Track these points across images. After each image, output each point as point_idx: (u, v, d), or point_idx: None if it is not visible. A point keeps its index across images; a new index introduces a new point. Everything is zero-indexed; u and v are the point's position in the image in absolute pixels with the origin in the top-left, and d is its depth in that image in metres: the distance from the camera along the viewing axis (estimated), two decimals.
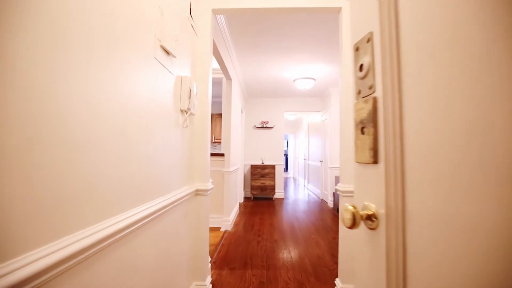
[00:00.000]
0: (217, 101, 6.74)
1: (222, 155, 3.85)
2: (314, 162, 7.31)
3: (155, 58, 1.24)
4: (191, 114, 1.72)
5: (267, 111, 6.56)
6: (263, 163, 6.32)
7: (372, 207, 0.57)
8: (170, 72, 1.42)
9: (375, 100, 0.57)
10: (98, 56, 0.79)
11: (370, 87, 0.59)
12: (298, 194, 7.13)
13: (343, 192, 1.88)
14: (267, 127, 6.47)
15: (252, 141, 6.52)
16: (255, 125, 6.51)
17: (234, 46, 3.54)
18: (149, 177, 1.19)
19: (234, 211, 4.24)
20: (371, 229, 0.57)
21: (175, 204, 1.47)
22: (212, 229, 3.66)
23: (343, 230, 1.91)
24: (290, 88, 5.53)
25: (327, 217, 4.53)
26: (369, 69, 0.59)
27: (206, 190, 1.96)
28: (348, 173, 1.91)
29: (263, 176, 6.05)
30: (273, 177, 6.06)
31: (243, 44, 3.48)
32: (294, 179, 11.51)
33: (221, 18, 2.89)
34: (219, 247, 3.04)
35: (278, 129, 6.54)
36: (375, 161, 0.56)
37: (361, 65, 0.62)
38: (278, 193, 6.42)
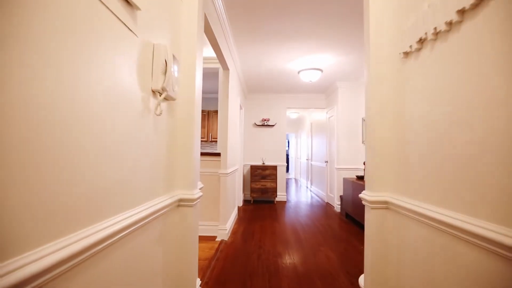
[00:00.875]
0: (213, 97, 6.30)
1: (218, 154, 3.41)
2: (318, 162, 6.87)
3: (103, 3, 0.80)
4: (169, 97, 1.28)
5: (268, 108, 6.12)
6: (264, 163, 5.88)
7: None
8: (132, 31, 0.98)
9: None
10: None
11: None
12: (300, 197, 6.69)
13: (373, 202, 1.43)
14: (268, 125, 6.02)
15: (252, 140, 6.07)
16: (255, 123, 6.07)
17: (232, 32, 3.10)
18: (93, 189, 0.74)
19: (232, 217, 3.80)
20: None
21: (142, 223, 1.03)
22: (206, 239, 3.22)
23: (373, 245, 1.46)
24: (294, 82, 5.09)
25: (335, 223, 4.09)
26: None
27: (193, 200, 1.52)
28: (380, 179, 1.46)
29: (263, 177, 5.61)
30: (274, 179, 5.62)
31: (242, 30, 3.04)
32: (296, 180, 11.07)
33: (218, 1, 2.46)
34: (213, 262, 2.59)
35: (280, 127, 6.10)
36: None
37: None
38: (280, 196, 5.98)
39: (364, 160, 4.06)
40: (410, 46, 1.23)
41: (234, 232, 3.58)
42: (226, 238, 3.28)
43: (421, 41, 1.16)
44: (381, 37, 1.50)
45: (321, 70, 3.82)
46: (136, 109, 1.04)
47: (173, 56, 1.27)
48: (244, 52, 3.66)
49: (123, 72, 0.93)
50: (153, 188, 1.21)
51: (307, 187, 8.46)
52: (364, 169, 3.99)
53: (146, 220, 1.07)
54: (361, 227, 3.83)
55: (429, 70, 1.12)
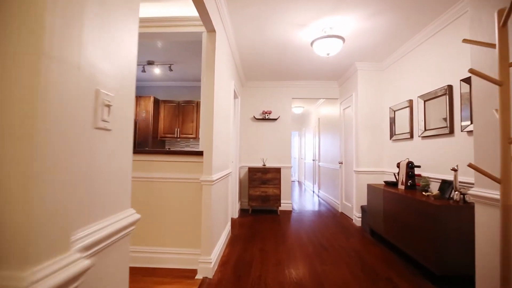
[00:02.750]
0: (194, 86, 5.30)
1: (199, 154, 2.39)
2: (328, 164, 5.84)
3: None
4: None
5: (270, 99, 5.10)
6: (264, 165, 4.86)
7: None
8: None
9: None
10: None
11: None
12: (307, 204, 5.66)
13: None
14: (270, 119, 5.00)
15: (250, 136, 5.05)
16: (254, 116, 5.04)
17: None
18: None
19: (221, 239, 2.79)
20: None
21: None
22: (182, 275, 2.21)
23: None
24: (303, 63, 4.07)
25: (360, 246, 3.07)
26: None
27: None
28: None
29: (264, 182, 4.59)
30: (277, 184, 4.60)
31: None
32: (299, 182, 10.04)
33: None
34: None
35: (284, 121, 5.08)
36: None
37: None
38: (285, 204, 4.95)
39: (386, 160, 2.91)
40: None
41: (223, 263, 2.56)
42: (210, 275, 2.25)
43: None
44: None
45: (343, 39, 2.81)
46: None
47: None
48: (237, 13, 2.65)
49: None
50: None
51: (313, 192, 7.44)
52: (398, 173, 3.09)
53: None
54: (399, 253, 2.81)
55: None
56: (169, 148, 5.53)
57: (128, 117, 0.92)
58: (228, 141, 3.27)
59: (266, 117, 5.00)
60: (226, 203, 3.24)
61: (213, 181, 2.30)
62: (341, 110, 4.87)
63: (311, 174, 8.08)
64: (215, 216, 2.45)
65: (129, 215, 0.92)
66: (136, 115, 4.93)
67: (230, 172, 3.41)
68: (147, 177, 2.48)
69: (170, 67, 4.22)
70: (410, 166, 2.94)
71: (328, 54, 2.96)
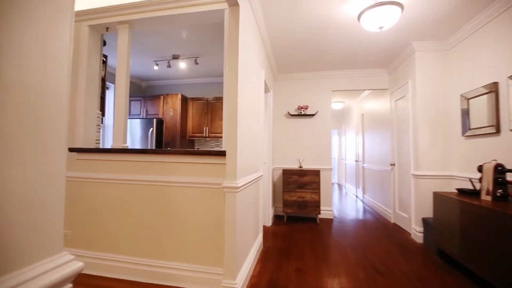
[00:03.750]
0: (216, 82, 4.95)
1: (220, 154, 1.99)
2: (375, 165, 5.08)
3: None
4: None
5: (306, 92, 4.55)
6: (301, 167, 4.33)
7: None
8: None
9: None
10: None
11: None
12: (350, 211, 4.97)
13: None
14: (307, 115, 4.45)
15: (285, 135, 4.56)
16: (288, 112, 4.54)
17: None
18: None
19: (251, 254, 2.35)
20: None
21: None
22: None
23: None
24: (344, 47, 3.46)
25: (425, 270, 2.39)
26: None
27: None
28: None
29: (301, 186, 4.06)
30: (316, 188, 4.03)
31: None
32: (340, 185, 9.23)
33: None
34: None
35: (323, 117, 4.49)
36: None
37: None
38: (325, 212, 4.36)
39: (455, 162, 2.16)
40: None
41: (253, 285, 2.12)
42: None
43: None
44: None
45: (401, 6, 2.19)
46: None
47: None
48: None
49: None
50: None
51: (356, 196, 6.66)
52: (480, 179, 2.11)
53: None
54: (485, 286, 2.09)
55: None
56: (198, 149, 5.29)
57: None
58: (258, 140, 2.83)
59: (302, 112, 4.46)
60: (257, 211, 2.80)
61: (238, 187, 1.86)
62: (392, 103, 4.13)
63: (353, 177, 7.28)
64: (241, 229, 2.02)
65: (61, 264, 0.52)
66: (162, 113, 4.75)
67: (261, 176, 2.96)
68: (161, 181, 2.15)
69: (195, 60, 3.92)
70: (500, 170, 2.19)
71: (381, 28, 2.35)
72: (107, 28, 2.54)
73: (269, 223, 3.86)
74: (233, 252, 1.86)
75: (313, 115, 4.44)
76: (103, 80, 2.91)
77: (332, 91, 4.51)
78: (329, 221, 4.15)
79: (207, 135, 4.82)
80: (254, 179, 2.49)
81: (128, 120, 4.55)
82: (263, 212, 3.72)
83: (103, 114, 2.90)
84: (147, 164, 2.20)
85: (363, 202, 5.86)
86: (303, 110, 4.46)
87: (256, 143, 2.72)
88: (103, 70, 2.90)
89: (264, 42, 3.17)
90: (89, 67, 2.50)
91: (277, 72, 4.45)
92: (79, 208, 2.37)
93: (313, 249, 2.94)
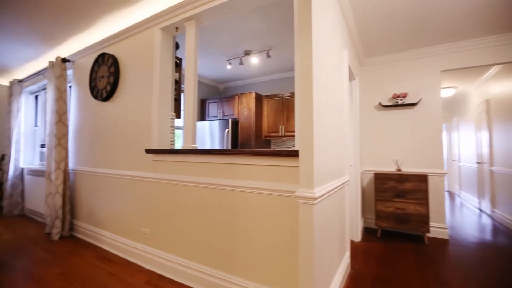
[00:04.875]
0: (291, 76, 4.45)
1: (291, 155, 1.57)
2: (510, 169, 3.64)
3: None
4: None
5: (403, 76, 3.64)
6: (399, 170, 3.46)
7: None
8: None
9: None
10: None
11: None
12: (472, 229, 3.68)
13: None
14: (405, 105, 3.54)
15: (376, 131, 3.76)
16: (380, 103, 3.72)
17: None
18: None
19: (335, 281, 1.84)
20: None
21: None
22: None
23: None
24: (458, 4, 2.50)
25: None
26: None
27: None
28: None
29: (401, 195, 3.21)
30: (423, 198, 3.11)
31: None
32: (450, 193, 7.35)
33: None
34: None
35: (429, 105, 3.48)
36: None
37: None
38: (436, 229, 3.35)
39: None
40: None
41: None
42: None
43: None
44: None
45: None
46: None
47: None
48: None
49: None
50: None
51: (480, 210, 5.04)
52: None
53: None
54: None
55: None
56: (273, 149, 5.01)
57: None
58: (341, 137, 2.28)
59: (399, 102, 3.57)
60: (343, 224, 2.25)
61: (316, 198, 1.41)
62: None
63: (473, 183, 5.60)
64: (321, 248, 1.55)
65: None
66: (237, 113, 4.67)
67: (347, 181, 2.39)
68: (225, 184, 1.90)
69: (268, 53, 3.63)
70: None
71: None
72: (177, 28, 2.50)
73: (357, 237, 3.19)
74: (310, 278, 1.41)
75: (414, 104, 3.50)
76: (178, 83, 2.94)
77: (441, 71, 3.45)
78: (442, 243, 3.14)
79: (283, 134, 4.48)
80: (338, 186, 1.97)
81: (208, 121, 4.66)
82: (351, 223, 3.09)
83: (178, 116, 2.92)
84: (212, 165, 2.00)
85: (493, 219, 4.34)
86: (400, 99, 3.57)
87: (339, 142, 2.18)
88: (177, 73, 2.93)
89: (346, 17, 2.59)
90: (162, 70, 2.51)
91: (363, 56, 3.71)
92: (156, 209, 2.38)
93: (425, 284, 2.16)
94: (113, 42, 2.96)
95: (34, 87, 4.38)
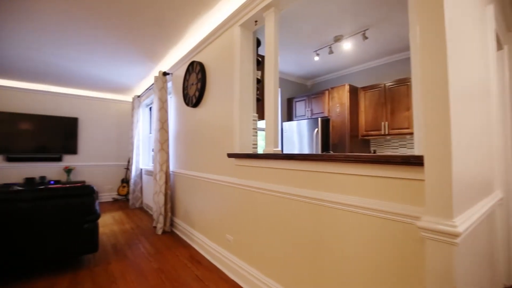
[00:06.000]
0: (403, 59, 3.44)
1: (409, 163, 1.04)
2: None
3: None
4: None
5: None
6: None
7: None
8: None
9: None
10: None
11: None
12: None
13: None
14: None
15: None
16: None
17: None
18: None
19: None
20: None
21: None
22: None
23: None
24: None
25: None
26: None
27: None
28: None
29: None
30: None
31: None
32: None
33: None
34: None
35: None
36: None
37: None
38: None
39: None
40: None
41: None
42: None
43: None
44: None
45: None
46: None
47: None
48: None
49: None
50: None
51: None
52: None
53: None
54: None
55: None
56: (374, 151, 4.19)
57: None
58: (489, 133, 1.52)
59: None
60: (492, 262, 1.48)
61: (459, 233, 0.86)
62: None
63: None
64: None
65: None
66: (328, 111, 4.12)
67: (501, 199, 1.58)
68: (309, 197, 1.53)
69: (364, 34, 2.98)
70: None
71: None
72: (256, 22, 2.30)
73: None
74: None
75: None
76: (260, 82, 2.75)
77: None
78: None
79: (387, 133, 3.67)
80: (487, 209, 1.27)
81: (296, 121, 4.35)
82: (504, 262, 2.13)
83: (262, 118, 2.72)
84: (295, 173, 1.66)
85: None
86: None
87: (486, 139, 1.44)
88: (259, 71, 2.74)
89: None
90: (242, 68, 2.36)
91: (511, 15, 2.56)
92: (239, 216, 2.24)
93: None
94: (200, 49, 3.05)
95: (148, 100, 5.16)
